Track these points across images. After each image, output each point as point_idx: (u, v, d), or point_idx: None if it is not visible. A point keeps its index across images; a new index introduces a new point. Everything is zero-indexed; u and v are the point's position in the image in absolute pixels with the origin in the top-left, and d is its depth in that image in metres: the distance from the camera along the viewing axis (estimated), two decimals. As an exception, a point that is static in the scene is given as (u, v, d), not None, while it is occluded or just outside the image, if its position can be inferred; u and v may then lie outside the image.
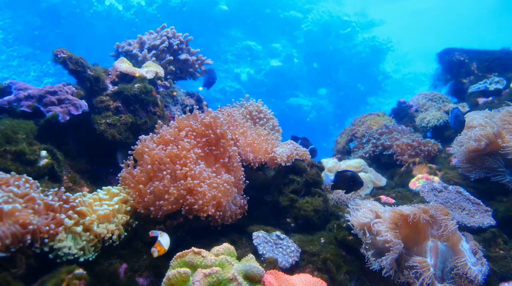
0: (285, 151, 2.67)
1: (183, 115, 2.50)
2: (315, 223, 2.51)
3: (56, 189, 1.91)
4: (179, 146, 2.20)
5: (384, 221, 2.03)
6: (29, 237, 1.58)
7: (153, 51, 3.37)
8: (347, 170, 2.77)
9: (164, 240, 1.85)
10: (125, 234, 1.99)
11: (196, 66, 3.65)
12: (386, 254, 1.93)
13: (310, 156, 2.88)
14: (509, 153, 2.68)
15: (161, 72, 3.14)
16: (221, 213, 2.14)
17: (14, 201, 1.60)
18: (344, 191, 2.78)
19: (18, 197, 1.63)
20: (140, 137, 2.32)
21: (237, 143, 2.62)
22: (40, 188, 1.84)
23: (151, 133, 2.38)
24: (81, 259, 1.75)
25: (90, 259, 1.79)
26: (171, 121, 2.51)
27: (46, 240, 1.67)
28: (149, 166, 2.13)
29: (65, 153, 2.45)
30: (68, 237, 1.76)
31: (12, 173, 1.79)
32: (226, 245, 1.85)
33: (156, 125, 2.45)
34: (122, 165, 2.28)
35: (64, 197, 1.87)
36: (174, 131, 2.35)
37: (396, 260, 1.93)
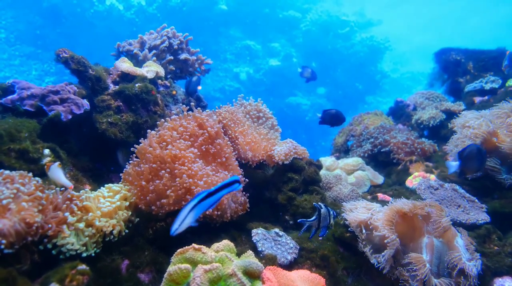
0: (283, 149, 2.70)
1: (177, 115, 2.53)
2: (313, 220, 2.55)
3: (63, 188, 1.95)
4: (173, 147, 2.22)
5: (380, 218, 2.07)
6: (33, 234, 1.61)
7: (154, 51, 3.41)
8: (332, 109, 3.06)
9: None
10: (126, 230, 2.03)
11: (196, 65, 3.69)
12: (383, 250, 1.97)
13: (308, 154, 2.92)
14: (504, 151, 2.72)
15: (162, 71, 3.18)
16: (219, 212, 2.17)
17: (20, 198, 1.64)
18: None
19: (24, 195, 1.67)
20: (148, 132, 2.35)
21: (236, 141, 2.66)
22: (42, 187, 1.87)
23: (153, 131, 2.42)
24: (84, 255, 1.78)
25: (93, 254, 1.83)
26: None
27: (46, 240, 1.70)
28: (153, 164, 2.16)
29: (68, 151, 2.48)
30: (71, 234, 1.79)
31: (21, 172, 1.82)
32: (226, 242, 1.88)
33: (158, 123, 2.48)
34: (126, 163, 2.31)
35: (69, 195, 1.90)
36: (169, 132, 2.37)
37: (393, 256, 1.97)
